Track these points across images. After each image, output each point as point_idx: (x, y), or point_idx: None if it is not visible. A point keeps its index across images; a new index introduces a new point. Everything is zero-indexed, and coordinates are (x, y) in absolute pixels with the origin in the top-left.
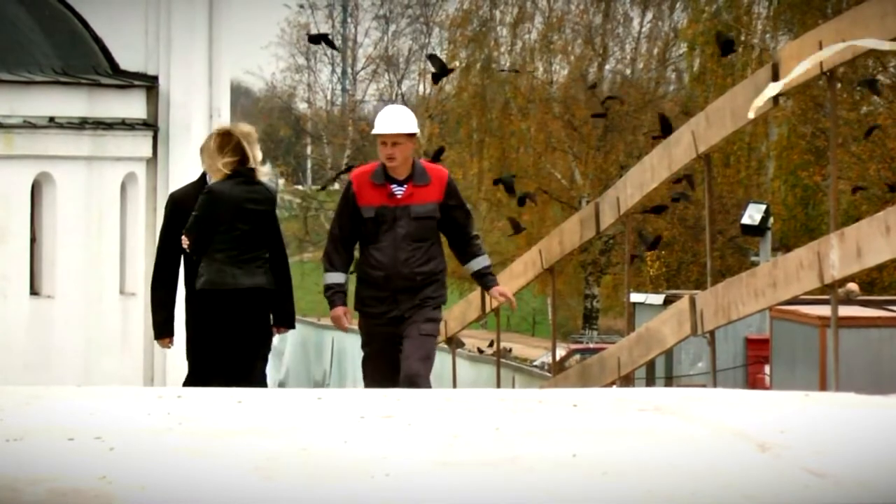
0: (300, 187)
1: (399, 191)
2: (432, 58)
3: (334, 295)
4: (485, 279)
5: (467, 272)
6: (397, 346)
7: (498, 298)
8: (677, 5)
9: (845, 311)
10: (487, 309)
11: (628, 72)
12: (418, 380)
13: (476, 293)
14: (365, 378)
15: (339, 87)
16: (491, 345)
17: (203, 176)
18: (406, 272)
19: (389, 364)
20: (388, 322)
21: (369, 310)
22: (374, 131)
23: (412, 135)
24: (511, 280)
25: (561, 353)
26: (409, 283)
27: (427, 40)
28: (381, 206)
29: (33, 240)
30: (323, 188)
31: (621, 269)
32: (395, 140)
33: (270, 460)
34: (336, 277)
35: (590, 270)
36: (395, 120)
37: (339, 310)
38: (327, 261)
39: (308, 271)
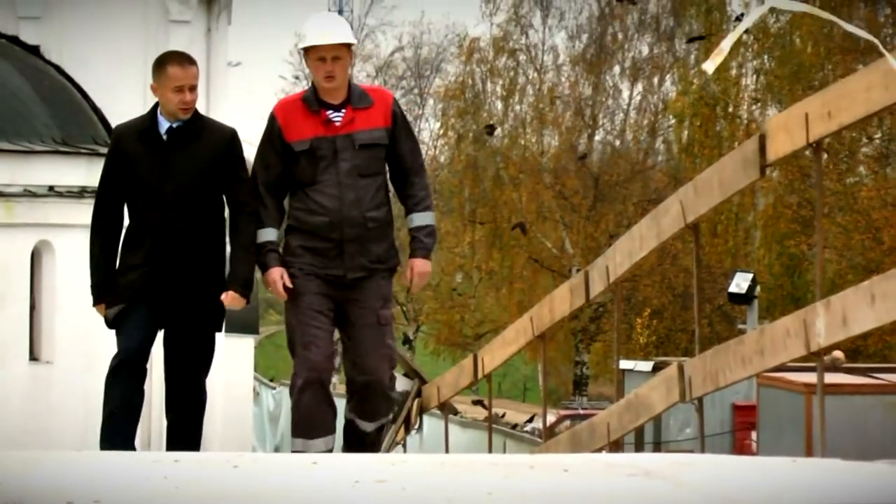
0: None
1: (337, 117)
2: None
3: (267, 254)
4: (416, 243)
5: (456, 330)
6: (333, 302)
7: (411, 276)
8: (666, 77)
9: (831, 378)
10: (480, 375)
11: (618, 143)
12: (381, 387)
13: (469, 359)
14: (292, 329)
15: None
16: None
17: (155, 107)
18: (355, 215)
19: (322, 307)
20: (326, 278)
21: (301, 261)
22: (309, 42)
23: (350, 47)
24: (503, 347)
25: (551, 419)
26: (359, 229)
27: (421, 111)
28: (315, 137)
29: (33, 306)
30: None
31: (611, 336)
32: (335, 54)
33: None
34: (267, 234)
35: (580, 337)
36: (334, 28)
37: (276, 271)
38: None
39: None
